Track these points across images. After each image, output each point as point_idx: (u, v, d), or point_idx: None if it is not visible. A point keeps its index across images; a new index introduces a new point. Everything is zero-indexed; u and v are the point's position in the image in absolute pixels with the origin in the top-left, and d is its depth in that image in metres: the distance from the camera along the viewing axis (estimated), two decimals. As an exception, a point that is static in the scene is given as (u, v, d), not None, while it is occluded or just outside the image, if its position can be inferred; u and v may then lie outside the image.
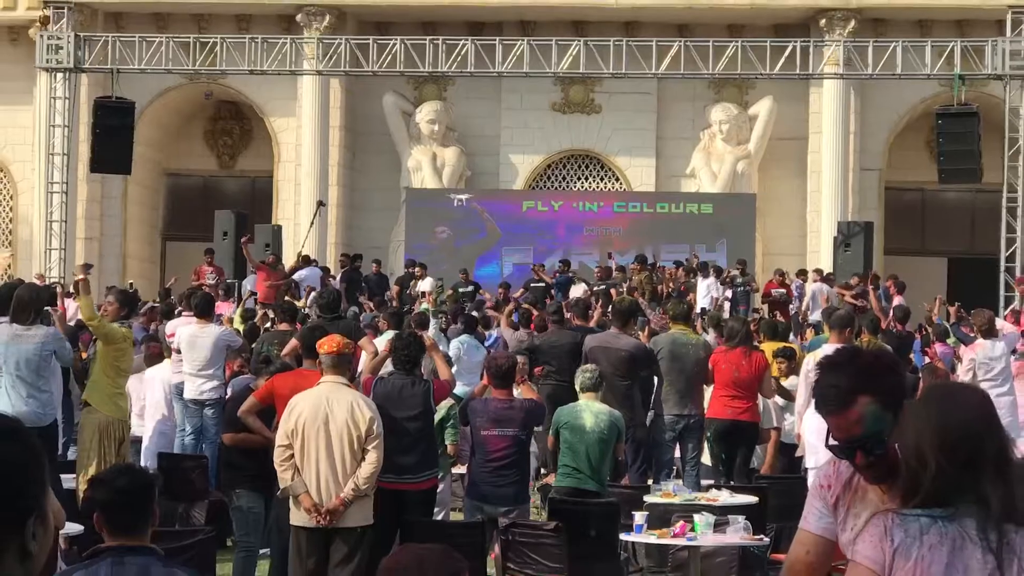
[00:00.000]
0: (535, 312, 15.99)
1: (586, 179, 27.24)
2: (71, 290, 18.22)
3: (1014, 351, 13.15)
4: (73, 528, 7.00)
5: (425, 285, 21.36)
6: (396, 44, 22.68)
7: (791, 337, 14.93)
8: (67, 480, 9.19)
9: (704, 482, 10.13)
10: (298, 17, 25.75)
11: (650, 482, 10.22)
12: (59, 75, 23.14)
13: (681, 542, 7.82)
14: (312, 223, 23.52)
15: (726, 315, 17.25)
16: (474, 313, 16.77)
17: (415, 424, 8.06)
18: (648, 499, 8.77)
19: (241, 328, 14.40)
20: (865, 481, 3.09)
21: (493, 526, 8.05)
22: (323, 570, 7.38)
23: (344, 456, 7.23)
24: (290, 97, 26.14)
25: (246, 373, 10.90)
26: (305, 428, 7.22)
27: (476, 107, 26.71)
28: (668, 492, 8.84)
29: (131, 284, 22.21)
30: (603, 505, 8.36)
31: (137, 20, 26.22)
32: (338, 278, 21.20)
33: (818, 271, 21.72)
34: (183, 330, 11.80)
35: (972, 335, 12.47)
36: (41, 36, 23.41)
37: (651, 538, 7.91)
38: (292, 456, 7.27)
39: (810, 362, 9.65)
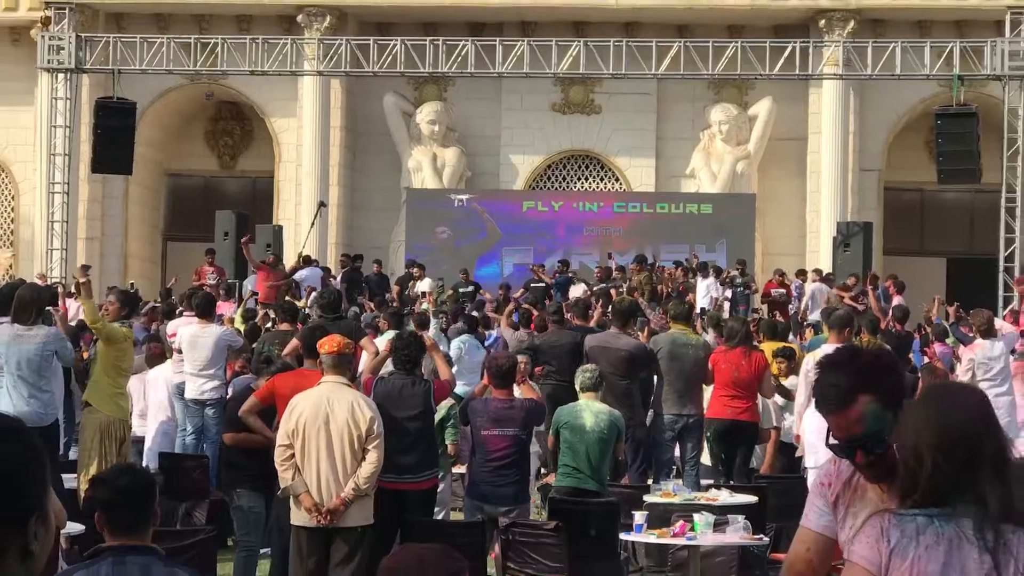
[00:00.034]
0: (535, 312, 15.99)
1: (586, 179, 27.26)
2: (72, 290, 18.26)
3: (1013, 351, 13.16)
4: (74, 528, 7.01)
5: (424, 286, 21.37)
6: (396, 45, 22.70)
7: (790, 337, 14.94)
8: (68, 480, 9.19)
9: (704, 482, 10.11)
10: (299, 18, 25.77)
11: (650, 482, 10.21)
12: (60, 76, 23.16)
13: (681, 542, 7.83)
14: (313, 223, 23.53)
15: (726, 315, 17.26)
16: (474, 313, 16.79)
17: (415, 424, 8.07)
18: (648, 499, 8.78)
19: (242, 328, 14.41)
20: (865, 480, 3.08)
21: (493, 526, 8.04)
22: (324, 570, 7.37)
23: (345, 456, 7.23)
24: (291, 98, 26.16)
25: (247, 373, 10.92)
26: (306, 428, 7.22)
27: (476, 107, 26.72)
28: (668, 492, 8.84)
29: (132, 284, 22.23)
30: (603, 505, 8.36)
31: (138, 21, 26.24)
32: (339, 278, 21.21)
33: (817, 271, 21.72)
34: (184, 330, 11.81)
35: (971, 335, 12.47)
36: (42, 37, 23.44)
37: (651, 538, 7.91)
38: (293, 456, 7.27)
39: (809, 362, 9.67)
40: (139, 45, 23.02)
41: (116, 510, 3.86)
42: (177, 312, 15.18)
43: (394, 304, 19.08)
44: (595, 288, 20.29)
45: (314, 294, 16.38)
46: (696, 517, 7.72)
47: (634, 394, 10.84)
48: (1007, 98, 22.13)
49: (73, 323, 14.42)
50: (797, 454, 10.35)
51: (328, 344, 7.49)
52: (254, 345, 12.34)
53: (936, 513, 2.56)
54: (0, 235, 27.86)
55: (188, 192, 28.75)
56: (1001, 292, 21.68)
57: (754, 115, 26.20)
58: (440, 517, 9.68)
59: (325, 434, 7.22)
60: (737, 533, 7.68)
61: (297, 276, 20.18)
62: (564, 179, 27.28)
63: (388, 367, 8.57)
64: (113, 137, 22.50)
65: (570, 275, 22.18)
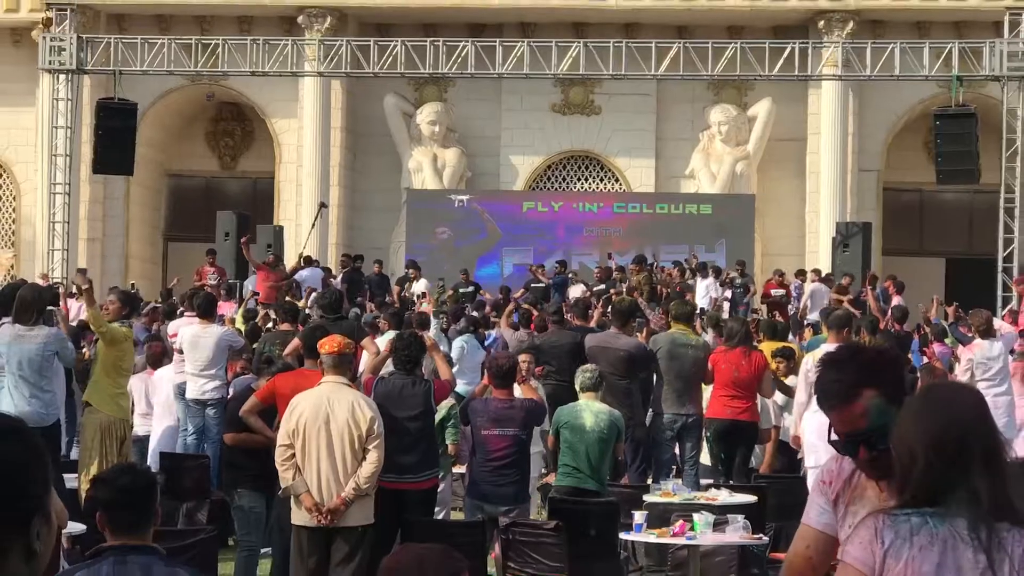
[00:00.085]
0: (535, 312, 16.01)
1: (586, 180, 27.27)
2: (73, 290, 18.28)
3: (1012, 351, 13.17)
4: (75, 527, 7.03)
5: (420, 287, 21.38)
6: (397, 46, 22.72)
7: (790, 337, 14.95)
8: (69, 479, 9.19)
9: (703, 481, 10.11)
10: (299, 19, 25.78)
11: (650, 481, 10.23)
12: (62, 76, 23.17)
13: (680, 541, 7.83)
14: (314, 224, 23.55)
15: (725, 316, 17.27)
16: (474, 313, 16.80)
17: (416, 424, 8.07)
18: (648, 498, 8.79)
19: (243, 328, 14.43)
20: (867, 478, 3.07)
21: (493, 525, 8.04)
22: (324, 569, 7.37)
23: (345, 456, 7.24)
24: (291, 98, 26.17)
25: (248, 374, 10.93)
26: (306, 428, 7.22)
27: (476, 108, 26.74)
28: (668, 491, 8.85)
29: (133, 285, 22.25)
30: (603, 504, 8.36)
31: (139, 22, 26.25)
32: (339, 278, 21.23)
33: (816, 271, 21.74)
34: (185, 330, 11.81)
35: (970, 335, 12.47)
36: (44, 38, 23.44)
37: (651, 537, 7.92)
38: (293, 456, 7.27)
39: (809, 362, 9.68)
40: (140, 46, 23.03)
41: (117, 510, 3.86)
42: (178, 312, 15.19)
43: (395, 305, 19.09)
44: (594, 288, 20.31)
45: (314, 294, 16.39)
46: (696, 517, 7.73)
47: (634, 394, 10.85)
48: (1006, 99, 22.13)
49: (74, 323, 14.44)
50: (799, 455, 10.36)
51: (328, 344, 7.49)
52: (255, 345, 12.36)
53: (930, 513, 2.55)
54: (1, 236, 27.88)
55: (189, 193, 28.76)
56: (1000, 292, 21.69)
57: (753, 116, 26.21)
58: (440, 517, 9.68)
59: (325, 434, 7.22)
60: (737, 533, 7.68)
61: (298, 276, 20.19)
62: (564, 180, 27.29)
63: (388, 367, 8.56)
64: (114, 138, 22.51)
65: (569, 276, 22.19)
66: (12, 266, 26.85)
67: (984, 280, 22.53)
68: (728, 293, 21.45)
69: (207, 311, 11.91)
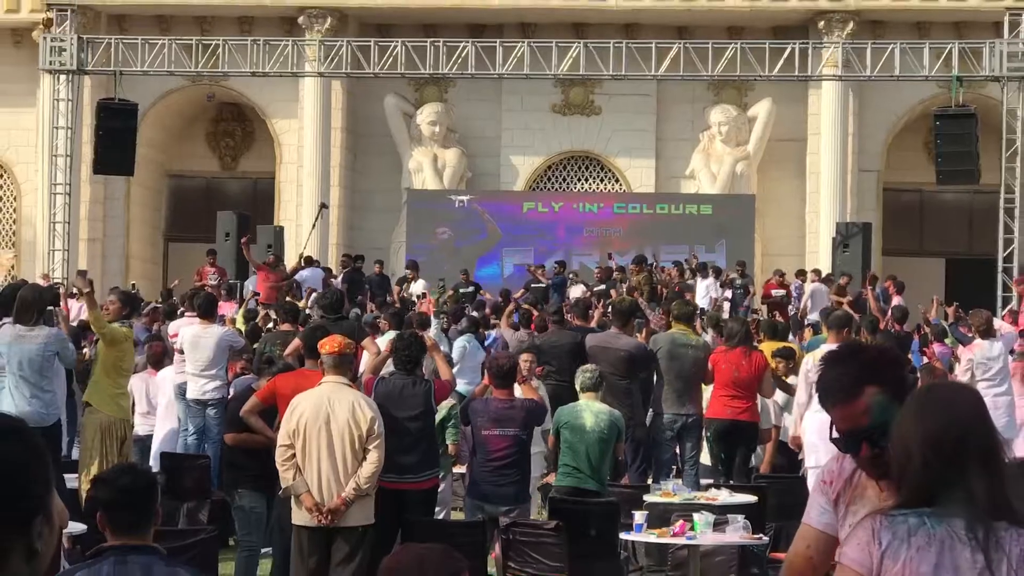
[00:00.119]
0: (535, 312, 16.01)
1: (586, 180, 27.27)
2: (73, 291, 18.29)
3: (1012, 351, 13.18)
4: (76, 527, 7.02)
5: (418, 287, 21.39)
6: (397, 46, 22.72)
7: (790, 337, 14.96)
8: (69, 480, 9.19)
9: (703, 481, 10.11)
10: (300, 19, 25.78)
11: (650, 481, 10.23)
12: (62, 77, 23.16)
13: (681, 541, 7.84)
14: (314, 225, 23.55)
15: (725, 316, 17.28)
16: (474, 313, 16.81)
17: (416, 424, 8.07)
18: (648, 498, 8.79)
19: (243, 329, 14.44)
20: (868, 476, 3.06)
21: (494, 525, 8.04)
22: (324, 569, 7.37)
23: (345, 456, 7.23)
24: (292, 99, 26.17)
25: (249, 374, 10.94)
26: (307, 428, 7.22)
27: (477, 109, 26.74)
28: (668, 491, 8.85)
29: (133, 285, 22.25)
30: (603, 504, 8.36)
31: (140, 22, 26.25)
32: (340, 279, 21.23)
33: (816, 271, 21.74)
34: (186, 330, 11.82)
35: (970, 335, 12.47)
36: (44, 38, 23.42)
37: (651, 537, 7.92)
38: (294, 456, 7.27)
39: (809, 362, 9.67)
40: (140, 47, 23.03)
41: (118, 510, 3.87)
42: (178, 313, 15.20)
43: (395, 305, 19.09)
44: (595, 289, 20.30)
45: (314, 295, 16.39)
46: (696, 517, 7.73)
47: (634, 394, 10.85)
48: (1006, 99, 22.12)
49: (74, 323, 14.45)
50: (799, 457, 10.36)
51: (329, 344, 7.48)
52: (255, 346, 12.37)
53: (927, 513, 2.55)
54: (2, 236, 27.88)
55: (189, 193, 28.76)
56: (1000, 292, 21.68)
57: (753, 116, 26.21)
58: (441, 517, 9.68)
59: (326, 434, 7.21)
60: (737, 533, 7.68)
61: (298, 277, 20.18)
62: (564, 180, 27.29)
63: (389, 367, 8.55)
64: (115, 138, 22.50)
65: (569, 276, 22.18)
66: (13, 266, 26.86)
67: (984, 280, 22.53)
68: (728, 293, 21.44)
69: (208, 311, 11.90)
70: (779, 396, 11.08)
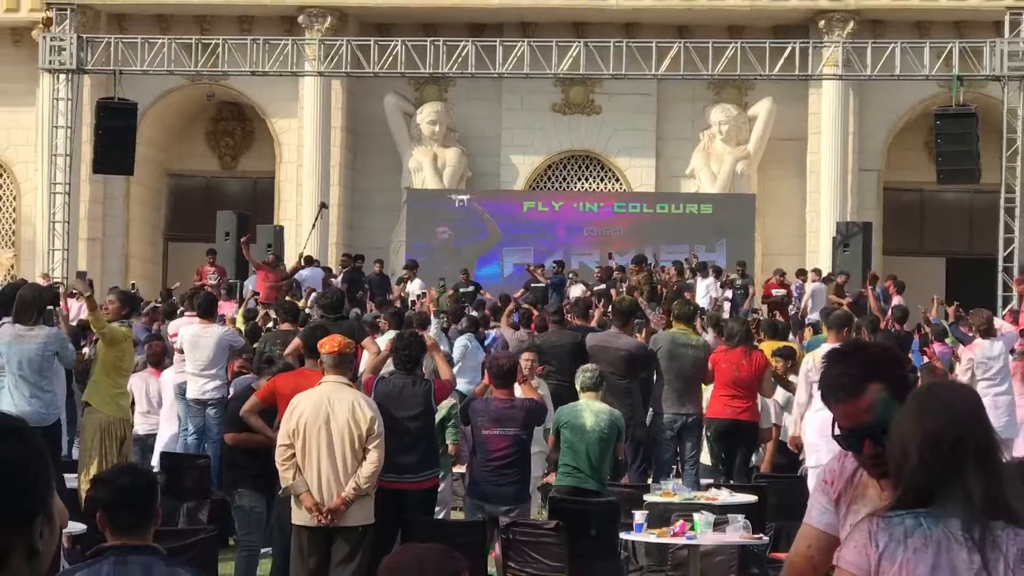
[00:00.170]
0: (535, 312, 16.00)
1: (586, 180, 27.26)
2: (73, 291, 18.28)
3: (1012, 351, 13.17)
4: (76, 527, 7.02)
5: (415, 287, 21.38)
6: (397, 45, 22.70)
7: (790, 336, 14.95)
8: (69, 480, 9.18)
9: (704, 481, 10.11)
10: (300, 18, 25.76)
11: (650, 481, 10.22)
12: (62, 76, 23.14)
13: (681, 541, 7.83)
14: (314, 224, 23.52)
15: (726, 315, 17.27)
16: (474, 313, 16.80)
17: (416, 423, 8.05)
18: (648, 498, 8.78)
19: (243, 328, 14.43)
20: (869, 476, 3.05)
21: (494, 525, 8.04)
22: (324, 569, 7.35)
23: (345, 455, 7.22)
24: (292, 98, 26.15)
25: (247, 373, 10.94)
26: (306, 428, 7.21)
27: (477, 108, 26.72)
28: (668, 491, 8.84)
29: (133, 285, 22.24)
30: (603, 504, 8.35)
31: (139, 21, 26.23)
32: (340, 278, 21.22)
33: (817, 271, 21.73)
34: (186, 330, 11.82)
35: (971, 335, 12.46)
36: (44, 37, 23.40)
37: (651, 537, 7.91)
38: (293, 455, 7.26)
39: (809, 361, 9.65)
40: (140, 46, 23.01)
41: (117, 510, 3.86)
42: (178, 312, 15.18)
43: (395, 304, 19.08)
44: (595, 288, 20.29)
45: (314, 295, 16.38)
46: (696, 516, 7.73)
47: (634, 394, 10.84)
48: (1006, 98, 22.09)
49: (74, 323, 14.44)
50: (800, 457, 10.35)
51: (329, 344, 7.47)
52: (255, 345, 12.36)
53: (924, 514, 2.55)
54: (2, 235, 27.87)
55: (189, 192, 28.74)
56: (1000, 292, 21.66)
57: (754, 115, 26.20)
58: (441, 517, 9.66)
59: (326, 434, 7.20)
60: (737, 532, 7.68)
61: (298, 276, 20.16)
62: (564, 179, 27.28)
63: (389, 367, 8.53)
64: (114, 138, 22.48)
65: (569, 276, 22.16)
66: (12, 266, 26.84)
67: (984, 280, 22.51)
68: (728, 294, 21.42)
69: (207, 311, 11.89)
70: (779, 395, 11.08)
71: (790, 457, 11.02)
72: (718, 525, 7.69)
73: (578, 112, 26.77)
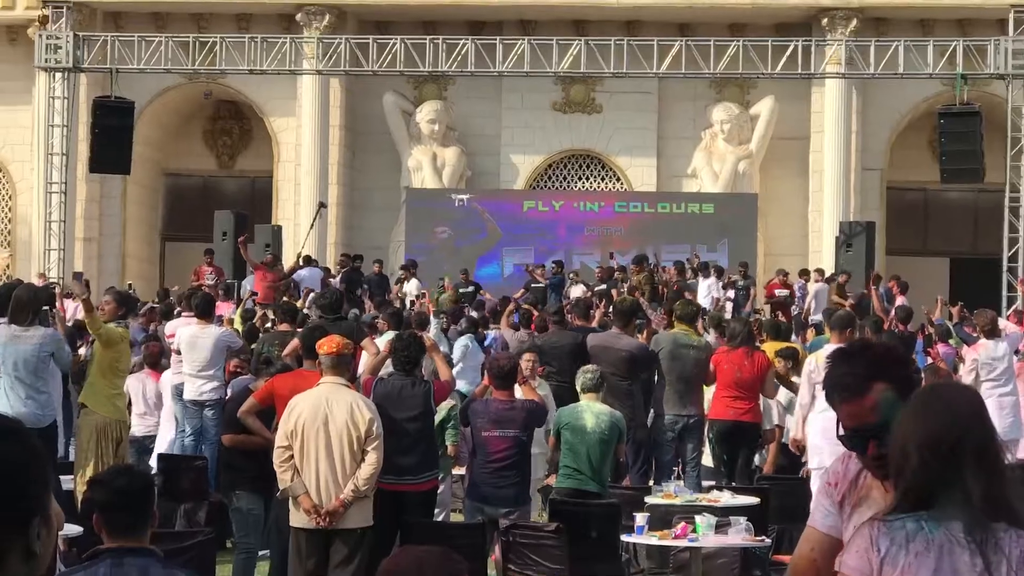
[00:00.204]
0: (535, 313, 15.93)
1: (587, 179, 27.20)
2: (69, 291, 18.19)
3: (1017, 351, 13.10)
4: (72, 530, 6.99)
5: (412, 287, 21.32)
6: (396, 43, 22.63)
7: (793, 337, 14.90)
8: (65, 481, 9.16)
9: (705, 483, 10.10)
10: (298, 16, 25.72)
11: (651, 483, 10.20)
12: (58, 75, 23.07)
13: (682, 543, 7.81)
14: (312, 224, 23.44)
15: (728, 316, 17.22)
16: (473, 314, 16.75)
17: (415, 425, 8.04)
18: (649, 500, 8.77)
19: (240, 329, 14.37)
20: (873, 477, 3.04)
21: (494, 527, 8.03)
22: (323, 572, 7.33)
23: (344, 457, 7.20)
24: (290, 97, 26.10)
25: (242, 373, 10.88)
26: (305, 429, 7.19)
27: (476, 107, 26.67)
28: (669, 493, 8.82)
29: (130, 285, 22.18)
30: (604, 506, 8.33)
31: (136, 19, 26.18)
32: (338, 278, 21.14)
33: (820, 271, 21.67)
34: (183, 331, 11.82)
35: (975, 335, 12.43)
36: (40, 36, 23.33)
37: (652, 539, 7.90)
38: (292, 457, 7.24)
39: (812, 362, 9.62)
40: (137, 44, 22.93)
41: (114, 511, 3.85)
42: (175, 312, 15.11)
43: (394, 304, 19.01)
44: (596, 288, 20.23)
45: (312, 295, 16.32)
46: (698, 519, 7.71)
47: (635, 395, 10.83)
48: (1010, 97, 22.01)
49: (70, 323, 14.35)
50: (802, 460, 10.28)
51: (327, 345, 7.45)
52: (253, 346, 12.30)
53: (925, 517, 2.53)
54: (-3, 235, 27.81)
55: (186, 192, 28.69)
56: (1005, 292, 21.59)
57: (756, 114, 26.15)
58: (440, 519, 9.65)
59: (324, 435, 7.18)
60: (739, 535, 7.65)
61: (297, 276, 20.11)
62: (565, 179, 27.23)
63: (388, 368, 8.52)
64: (111, 136, 22.41)
65: (570, 276, 22.11)
66: (8, 266, 26.76)
67: (989, 280, 22.43)
68: (731, 294, 21.35)
69: (205, 311, 11.87)
70: (782, 396, 11.04)
71: (793, 459, 10.95)
72: (720, 527, 7.66)
73: (579, 111, 26.72)
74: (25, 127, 26.36)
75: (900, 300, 18.41)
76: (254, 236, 22.51)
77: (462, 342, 14.20)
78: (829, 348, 8.78)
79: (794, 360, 11.38)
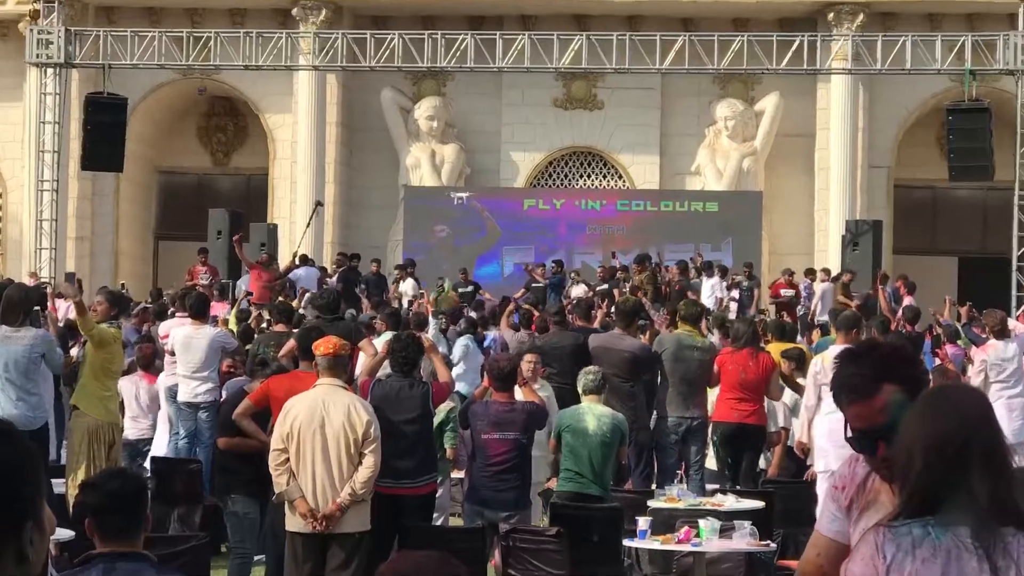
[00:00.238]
0: (535, 313, 15.80)
1: (588, 177, 27.11)
2: (60, 291, 18.03)
3: (1026, 352, 12.95)
4: (64, 534, 7.04)
5: (407, 287, 21.20)
6: (394, 38, 22.48)
7: (798, 338, 14.80)
8: (57, 485, 9.20)
9: (709, 486, 10.10)
10: (294, 11, 25.65)
11: (654, 486, 10.16)
12: (49, 71, 22.92)
13: (686, 548, 7.79)
14: (309, 223, 23.29)
15: (732, 316, 17.11)
16: (472, 314, 16.64)
17: (413, 427, 8.00)
18: (652, 504, 8.79)
19: (235, 329, 14.26)
20: (882, 480, 3.00)
21: (493, 531, 8.00)
22: (319, 577, 7.42)
23: (341, 460, 7.17)
24: (286, 93, 25.99)
25: (235, 373, 10.78)
26: (301, 431, 7.16)
27: (476, 103, 26.56)
28: (672, 497, 8.82)
29: (123, 284, 22.06)
30: (606, 510, 8.31)
31: (129, 14, 26.09)
32: (335, 278, 21.00)
33: (826, 271, 21.58)
34: (177, 332, 11.86)
35: (984, 336, 12.38)
36: (31, 31, 23.18)
37: (655, 544, 7.85)
38: (287, 460, 7.21)
39: (818, 363, 9.63)
40: (130, 39, 22.78)
41: (107, 515, 3.84)
42: (169, 313, 14.98)
43: (393, 305, 18.88)
44: (597, 288, 20.11)
45: (308, 295, 16.23)
46: (701, 523, 7.67)
47: (638, 396, 10.82)
48: (1020, 93, 21.82)
49: (61, 324, 14.18)
50: (808, 463, 10.17)
51: (324, 346, 7.42)
52: (248, 347, 12.18)
53: (932, 523, 2.51)
54: (-12, 234, 27.67)
55: (180, 190, 28.58)
56: (1014, 292, 21.44)
57: (761, 110, 26.09)
58: (439, 522, 9.63)
59: (321, 438, 7.15)
60: (744, 539, 7.63)
61: (293, 276, 20.01)
62: (566, 176, 27.13)
63: (386, 369, 8.50)
64: (103, 133, 22.28)
65: (571, 276, 22.01)
66: (-2, 265, 26.59)
67: (998, 279, 22.30)
68: (735, 294, 21.22)
69: (199, 312, 11.86)
70: (787, 398, 10.99)
71: (798, 462, 10.85)
72: (724, 532, 7.64)
73: (580, 107, 26.61)
74: (16, 124, 26.28)
75: (907, 300, 18.34)
76: (249, 235, 22.43)
77: (462, 343, 14.19)
78: (835, 349, 8.78)
79: (799, 361, 11.36)
